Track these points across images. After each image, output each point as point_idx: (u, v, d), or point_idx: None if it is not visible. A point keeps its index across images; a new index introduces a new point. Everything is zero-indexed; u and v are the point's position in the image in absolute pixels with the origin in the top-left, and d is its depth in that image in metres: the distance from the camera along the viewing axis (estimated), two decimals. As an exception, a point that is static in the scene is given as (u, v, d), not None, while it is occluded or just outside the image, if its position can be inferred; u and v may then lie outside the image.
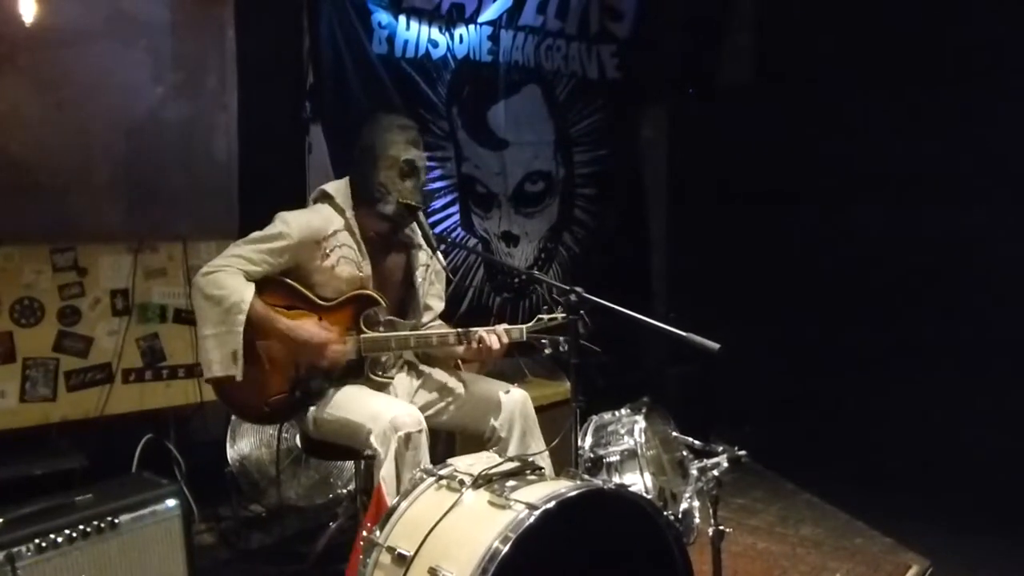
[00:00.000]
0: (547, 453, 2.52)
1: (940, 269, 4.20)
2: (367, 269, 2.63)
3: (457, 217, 4.41)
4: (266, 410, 2.53)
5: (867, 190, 4.48)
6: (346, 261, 2.59)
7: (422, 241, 2.71)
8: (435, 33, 4.23)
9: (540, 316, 2.56)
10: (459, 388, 2.72)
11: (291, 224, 2.53)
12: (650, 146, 5.53)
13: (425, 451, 2.36)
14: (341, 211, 2.64)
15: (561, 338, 2.44)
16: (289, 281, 2.58)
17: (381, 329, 2.62)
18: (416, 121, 2.87)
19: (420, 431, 2.35)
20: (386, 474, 2.25)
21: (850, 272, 4.54)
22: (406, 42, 4.11)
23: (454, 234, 4.34)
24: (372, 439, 2.32)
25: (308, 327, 2.49)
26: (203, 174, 3.75)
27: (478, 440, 2.66)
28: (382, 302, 2.63)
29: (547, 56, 4.80)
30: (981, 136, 4.08)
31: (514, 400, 2.64)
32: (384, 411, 2.37)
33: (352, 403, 2.49)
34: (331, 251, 2.58)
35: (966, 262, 4.14)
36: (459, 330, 2.62)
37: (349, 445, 2.50)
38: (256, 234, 2.53)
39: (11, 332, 3.04)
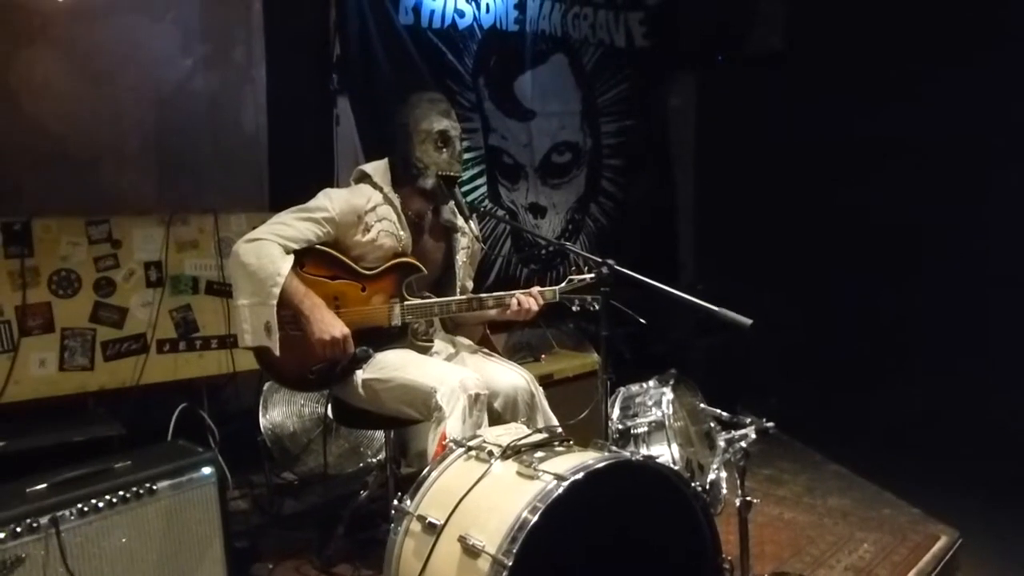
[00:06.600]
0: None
1: (973, 237, 4.14)
2: (407, 241, 2.69)
3: (484, 188, 4.40)
4: (311, 377, 2.57)
5: (897, 158, 4.40)
6: (386, 234, 2.65)
7: (461, 220, 2.77)
8: (461, 3, 4.19)
9: (571, 277, 2.70)
10: (474, 365, 2.72)
11: (334, 199, 2.60)
12: (678, 115, 5.47)
13: (486, 415, 2.42)
14: (379, 188, 2.70)
15: (589, 297, 2.61)
16: (332, 251, 2.62)
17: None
18: (443, 92, 2.91)
19: (486, 393, 2.42)
20: (451, 428, 2.29)
21: (878, 242, 4.48)
22: (432, 12, 4.08)
23: (481, 206, 4.34)
24: (439, 398, 2.36)
25: (324, 317, 2.46)
26: (232, 146, 3.78)
27: (493, 418, 2.62)
28: (423, 269, 2.69)
29: (574, 25, 4.75)
30: (1020, 104, 3.99)
31: (515, 386, 2.61)
32: (450, 373, 2.44)
33: (411, 366, 2.52)
34: (372, 225, 2.63)
35: (1003, 228, 4.07)
36: (498, 294, 2.71)
37: (399, 408, 2.51)
38: (301, 206, 2.59)
39: (50, 303, 3.10)
